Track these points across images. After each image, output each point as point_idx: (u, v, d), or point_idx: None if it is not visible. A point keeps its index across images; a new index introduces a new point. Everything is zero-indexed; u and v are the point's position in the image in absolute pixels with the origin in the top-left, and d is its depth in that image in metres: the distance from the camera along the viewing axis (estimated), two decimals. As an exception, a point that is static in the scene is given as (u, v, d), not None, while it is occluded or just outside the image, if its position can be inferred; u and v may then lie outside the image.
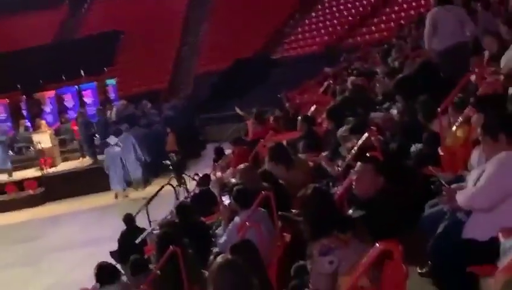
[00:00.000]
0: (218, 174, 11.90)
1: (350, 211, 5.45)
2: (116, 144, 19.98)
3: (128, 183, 19.85)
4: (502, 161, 4.21)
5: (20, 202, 20.88)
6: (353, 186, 5.63)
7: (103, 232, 15.02)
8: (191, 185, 14.54)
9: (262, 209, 6.82)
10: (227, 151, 13.88)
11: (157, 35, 34.86)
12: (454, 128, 6.45)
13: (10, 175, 22.00)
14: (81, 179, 21.07)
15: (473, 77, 7.91)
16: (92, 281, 7.64)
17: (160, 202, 13.76)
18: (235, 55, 29.21)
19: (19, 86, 29.06)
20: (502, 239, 3.76)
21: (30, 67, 32.03)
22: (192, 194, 12.29)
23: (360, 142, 7.05)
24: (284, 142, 9.81)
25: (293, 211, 7.15)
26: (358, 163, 5.72)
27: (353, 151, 7.02)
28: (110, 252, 10.28)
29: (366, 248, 4.16)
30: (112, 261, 9.13)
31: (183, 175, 15.96)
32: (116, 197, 19.46)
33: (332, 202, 4.93)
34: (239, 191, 7.02)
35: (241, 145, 12.71)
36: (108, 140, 20.21)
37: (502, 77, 7.10)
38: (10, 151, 23.03)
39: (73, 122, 23.66)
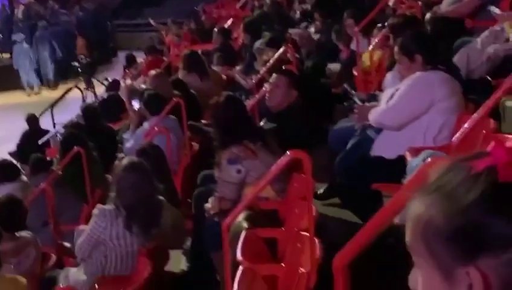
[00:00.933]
0: (128, 81, 11.62)
1: (261, 123, 5.40)
2: (25, 41, 19.26)
3: (41, 82, 19.36)
4: (416, 81, 4.22)
5: None
6: (266, 98, 5.58)
7: (4, 132, 14.51)
8: (100, 90, 14.20)
9: (172, 117, 6.70)
10: (139, 60, 13.54)
11: None
12: (370, 49, 6.46)
13: None
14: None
15: (391, 1, 7.93)
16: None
17: (66, 105, 13.36)
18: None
19: None
20: (408, 158, 3.79)
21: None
22: (100, 99, 11.99)
23: (276, 55, 6.97)
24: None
25: (203, 121, 7.08)
26: (273, 75, 5.66)
27: (268, 64, 6.93)
28: (9, 153, 9.95)
29: (275, 160, 4.13)
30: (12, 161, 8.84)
31: (92, 79, 15.52)
32: (28, 95, 18.94)
33: (244, 110, 4.86)
34: (150, 96, 6.85)
35: (154, 54, 12.43)
36: (14, 37, 19.44)
37: (420, 3, 7.14)
38: None
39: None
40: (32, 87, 19.22)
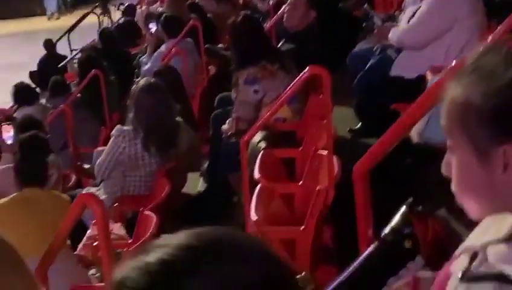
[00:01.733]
0: (144, 6, 11.50)
1: (279, 45, 5.34)
2: None
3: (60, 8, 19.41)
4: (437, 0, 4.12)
5: None
6: (284, 19, 5.49)
7: (20, 58, 14.55)
8: (116, 15, 14.07)
9: (189, 39, 6.63)
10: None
11: None
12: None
13: None
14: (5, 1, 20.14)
15: None
16: (7, 105, 7.43)
17: (83, 32, 13.28)
18: None
19: None
20: (429, 77, 3.73)
21: None
22: (116, 24, 11.88)
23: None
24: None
25: (220, 45, 7.01)
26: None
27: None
28: (30, 72, 9.95)
29: (292, 81, 4.08)
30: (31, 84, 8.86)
31: (108, 5, 15.36)
32: (49, 19, 19.09)
33: (262, 30, 4.80)
34: (167, 18, 6.78)
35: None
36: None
37: None
38: None
39: None
40: (52, 13, 19.28)
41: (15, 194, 3.49)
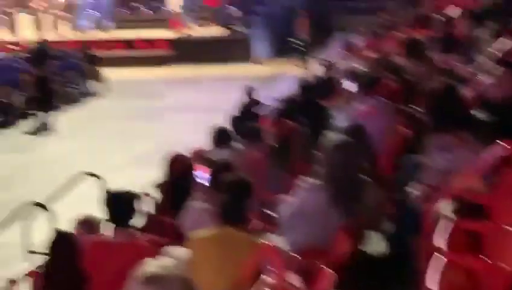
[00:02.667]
0: (344, 62, 11.73)
1: (476, 112, 5.21)
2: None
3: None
4: None
5: (149, 59, 21.40)
6: (486, 89, 5.37)
7: (220, 101, 15.33)
8: (315, 68, 14.43)
9: (383, 99, 6.66)
10: (356, 42, 13.58)
11: None
12: None
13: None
14: (211, 48, 21.44)
15: None
16: (204, 144, 7.81)
17: (282, 80, 13.75)
18: None
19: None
20: None
21: None
22: (315, 77, 12.19)
23: (499, 46, 6.68)
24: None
25: (415, 107, 6.96)
26: (497, 66, 5.43)
27: (492, 55, 6.66)
28: (230, 116, 10.41)
29: (486, 151, 3.97)
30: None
31: (309, 57, 15.81)
32: (257, 64, 20.20)
33: (460, 98, 4.73)
34: (363, 77, 6.88)
35: (373, 37, 12.43)
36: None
37: None
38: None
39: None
40: (257, 60, 20.12)
41: (215, 231, 3.67)
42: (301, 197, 4.54)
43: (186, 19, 23.20)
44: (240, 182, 4.08)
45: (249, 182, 4.25)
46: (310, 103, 8.08)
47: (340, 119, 7.04)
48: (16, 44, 20.88)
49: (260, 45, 21.05)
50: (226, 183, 4.23)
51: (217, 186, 4.92)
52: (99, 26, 23.31)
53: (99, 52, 20.91)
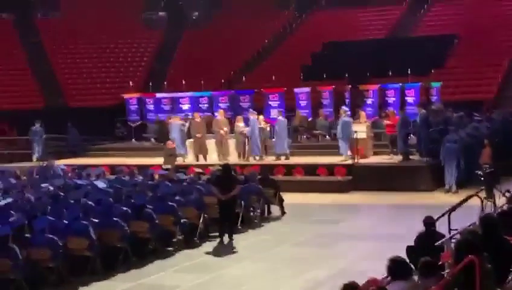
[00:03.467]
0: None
1: None
2: (455, 141, 20.65)
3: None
4: None
5: (329, 185, 21.68)
6: None
7: (398, 229, 15.05)
8: (500, 201, 13.80)
9: None
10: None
11: (492, 44, 33.65)
12: None
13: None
14: (389, 175, 21.50)
15: None
16: (378, 274, 7.59)
17: (464, 212, 13.24)
18: None
19: (346, 75, 30.01)
20: None
21: (360, 59, 32.97)
22: (499, 210, 11.62)
23: None
24: None
25: None
26: None
27: None
28: (407, 247, 10.10)
29: None
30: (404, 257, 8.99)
31: (494, 189, 15.18)
32: (446, 192, 20.25)
33: None
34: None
35: None
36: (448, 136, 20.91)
37: None
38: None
39: (391, 118, 23.88)
40: (435, 189, 19.85)
41: None
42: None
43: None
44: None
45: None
46: (493, 238, 7.66)
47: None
48: (202, 167, 21.96)
49: (439, 174, 20.70)
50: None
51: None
52: (281, 153, 24.02)
53: (279, 177, 21.61)
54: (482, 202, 14.19)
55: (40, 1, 45.89)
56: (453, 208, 13.18)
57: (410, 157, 22.46)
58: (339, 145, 23.17)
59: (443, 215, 12.60)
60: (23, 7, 43.70)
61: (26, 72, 39.06)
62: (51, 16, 44.90)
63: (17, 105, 35.85)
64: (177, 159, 24.03)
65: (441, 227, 11.77)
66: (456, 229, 10.50)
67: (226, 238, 15.35)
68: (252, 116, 24.27)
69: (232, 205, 15.46)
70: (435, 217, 11.54)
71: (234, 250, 14.82)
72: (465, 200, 14.05)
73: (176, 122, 25.48)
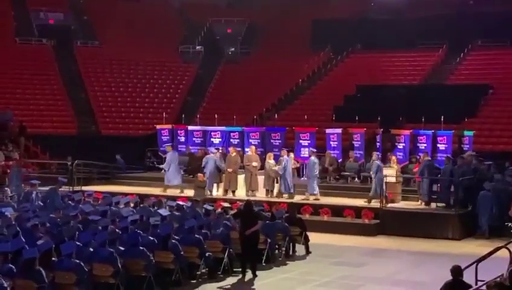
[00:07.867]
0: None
1: None
2: (488, 190, 21.05)
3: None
4: None
5: (355, 227, 21.61)
6: None
7: (422, 277, 14.89)
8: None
9: None
10: None
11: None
12: None
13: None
14: (416, 221, 21.40)
15: None
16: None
17: (492, 263, 13.07)
18: None
19: (378, 118, 30.00)
20: None
21: (393, 104, 32.99)
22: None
23: None
24: None
25: None
26: None
27: None
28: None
29: None
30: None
31: (523, 242, 14.95)
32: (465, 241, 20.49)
33: None
34: None
35: None
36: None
37: None
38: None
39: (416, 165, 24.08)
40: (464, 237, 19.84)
41: None
42: None
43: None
44: None
45: None
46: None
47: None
48: (230, 201, 21.97)
49: (468, 223, 20.62)
50: None
51: None
52: (311, 193, 24.00)
53: (306, 216, 21.58)
54: (510, 254, 13.99)
55: (79, 29, 46.83)
56: (481, 259, 13.02)
57: (435, 205, 22.40)
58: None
59: (470, 265, 12.46)
60: (63, 34, 44.62)
61: (63, 98, 39.68)
62: (89, 44, 45.73)
63: (51, 130, 36.37)
64: (207, 192, 24.16)
65: (468, 277, 11.64)
66: (483, 281, 10.37)
67: (249, 274, 15.29)
68: (285, 154, 24.30)
69: (253, 241, 15.44)
70: (462, 267, 11.43)
71: (254, 287, 14.74)
72: (494, 251, 13.87)
73: (211, 156, 25.55)
